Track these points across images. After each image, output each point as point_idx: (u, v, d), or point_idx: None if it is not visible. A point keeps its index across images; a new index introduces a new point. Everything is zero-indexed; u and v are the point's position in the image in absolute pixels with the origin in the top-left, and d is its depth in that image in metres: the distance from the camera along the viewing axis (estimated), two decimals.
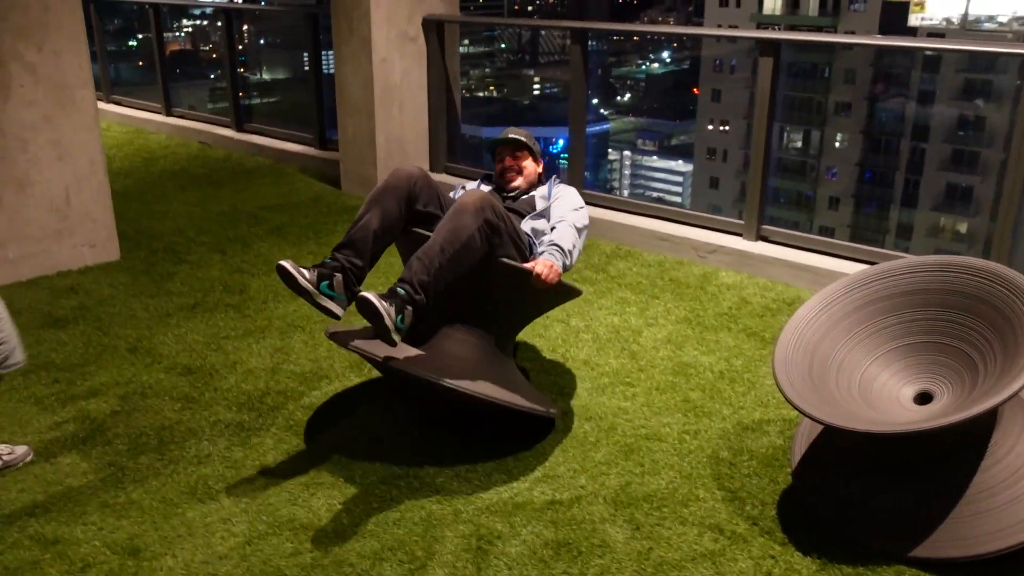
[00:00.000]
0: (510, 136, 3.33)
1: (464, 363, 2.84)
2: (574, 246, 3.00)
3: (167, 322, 3.87)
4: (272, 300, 4.11)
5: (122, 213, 4.97)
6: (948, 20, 46.70)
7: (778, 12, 49.51)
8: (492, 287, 2.87)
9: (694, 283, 4.35)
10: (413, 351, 2.80)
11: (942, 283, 2.56)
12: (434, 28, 5.67)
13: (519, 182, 3.31)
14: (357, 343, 2.76)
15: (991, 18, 46.19)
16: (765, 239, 4.56)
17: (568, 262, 2.94)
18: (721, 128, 47.24)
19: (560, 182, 3.36)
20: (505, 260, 2.79)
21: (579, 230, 3.09)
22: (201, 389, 3.29)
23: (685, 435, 3.02)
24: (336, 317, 2.75)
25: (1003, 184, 3.81)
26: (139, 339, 3.70)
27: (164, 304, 4.06)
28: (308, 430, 3.04)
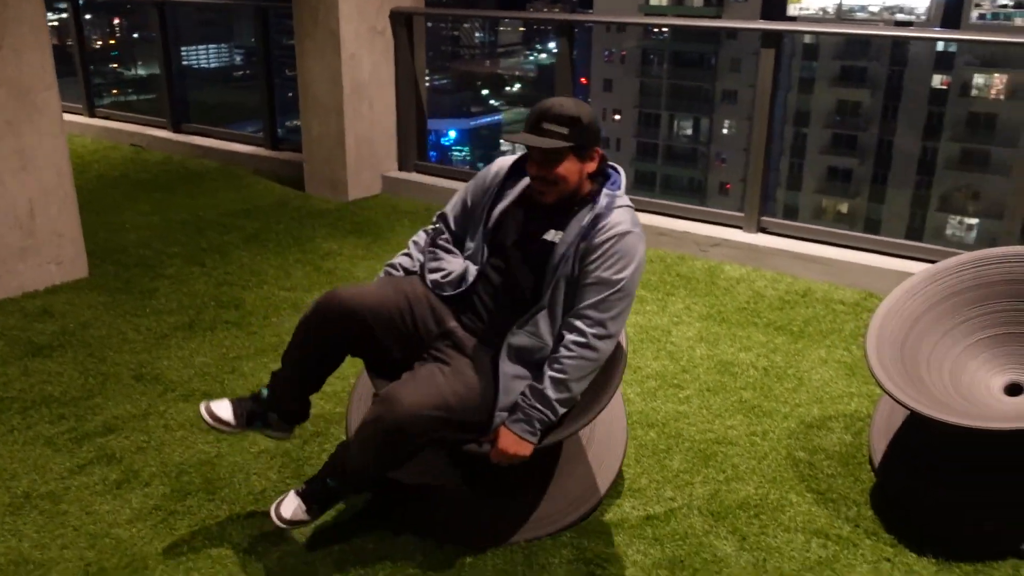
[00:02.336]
0: (533, 145, 2.19)
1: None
2: (575, 383, 2.20)
3: (166, 344, 3.56)
4: (273, 314, 3.84)
5: None
6: (824, 10, 48.84)
7: (664, 2, 50.65)
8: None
9: (702, 278, 4.30)
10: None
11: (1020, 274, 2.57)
12: (403, 21, 5.44)
13: (551, 196, 2.24)
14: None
15: (863, 8, 48.55)
16: (765, 231, 4.56)
17: (550, 423, 2.20)
18: (614, 117, 47.99)
19: (615, 213, 2.20)
20: (467, 448, 2.25)
21: (594, 343, 2.18)
22: None
23: (754, 437, 2.96)
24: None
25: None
26: (141, 365, 3.38)
27: (156, 324, 3.73)
28: None
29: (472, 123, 48.98)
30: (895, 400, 2.40)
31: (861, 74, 43.55)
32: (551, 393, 2.18)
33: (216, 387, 3.22)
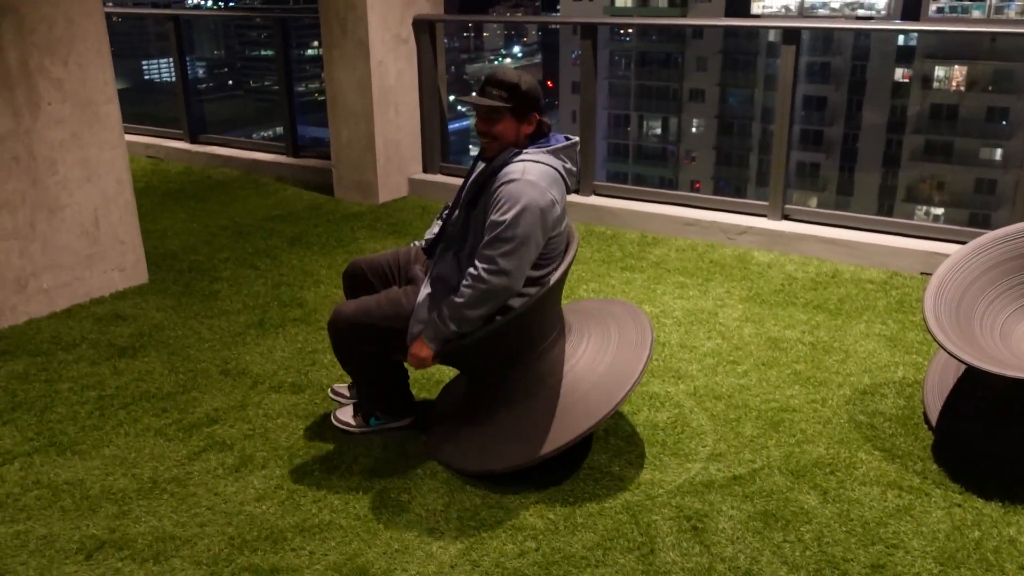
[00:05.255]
0: (476, 103, 2.59)
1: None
2: (465, 304, 2.53)
3: (243, 341, 3.72)
4: None
5: None
6: (787, 8, 49.72)
7: (630, 3, 51.21)
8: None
9: (734, 263, 4.54)
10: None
11: None
12: (425, 28, 5.63)
13: (492, 150, 2.64)
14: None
15: (824, 4, 49.51)
16: (787, 218, 4.82)
17: (447, 334, 2.58)
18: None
19: (507, 168, 2.54)
20: (393, 356, 2.80)
21: (483, 275, 2.50)
22: (324, 405, 3.20)
23: (815, 404, 3.19)
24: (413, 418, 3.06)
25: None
26: (225, 361, 3.55)
27: (227, 324, 3.89)
28: None
29: None
30: (956, 359, 2.64)
31: (825, 70, 44.27)
32: (445, 310, 2.57)
33: (302, 379, 3.40)
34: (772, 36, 44.04)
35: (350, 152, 5.70)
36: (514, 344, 2.74)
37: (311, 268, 4.55)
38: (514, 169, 2.53)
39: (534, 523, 2.55)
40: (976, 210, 35.40)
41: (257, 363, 3.53)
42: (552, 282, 2.66)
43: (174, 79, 7.08)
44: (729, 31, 45.83)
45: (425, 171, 5.96)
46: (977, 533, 2.49)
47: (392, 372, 2.94)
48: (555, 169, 2.59)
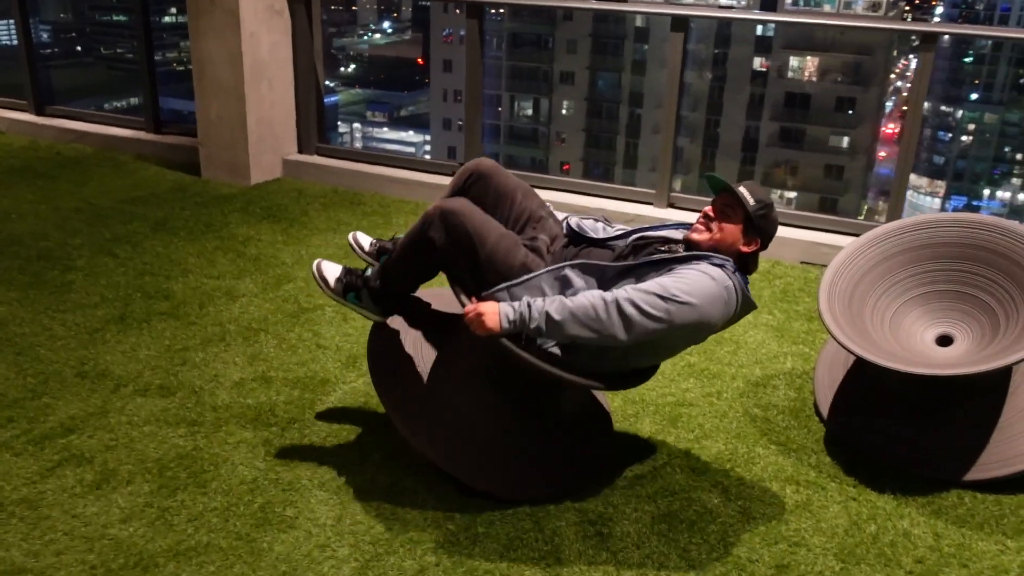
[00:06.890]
0: (734, 185, 2.47)
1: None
2: (572, 317, 2.25)
3: (101, 339, 3.38)
4: (208, 303, 3.72)
5: None
6: None
7: None
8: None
9: None
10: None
11: (956, 237, 2.89)
12: (302, 0, 5.31)
13: (701, 237, 2.46)
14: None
15: None
16: (674, 206, 4.82)
17: (527, 326, 2.28)
18: (456, 100, 48.05)
19: (714, 266, 2.35)
20: (454, 285, 2.47)
21: (611, 308, 2.24)
22: (197, 410, 2.93)
23: (711, 398, 3.17)
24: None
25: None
26: (81, 361, 3.21)
27: (83, 319, 3.53)
28: (343, 439, 2.83)
29: None
30: (851, 352, 2.66)
31: (689, 57, 45.27)
32: (548, 306, 2.27)
33: (171, 380, 3.11)
34: (639, 21, 45.04)
35: (219, 129, 5.33)
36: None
37: (178, 256, 4.21)
38: (718, 276, 2.32)
39: (433, 535, 2.40)
40: (826, 195, 37.39)
41: (119, 363, 3.21)
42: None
43: (13, 43, 6.45)
44: (599, 15, 46.45)
45: (301, 151, 5.65)
46: (874, 527, 2.51)
47: (427, 274, 2.59)
48: (737, 303, 2.38)
